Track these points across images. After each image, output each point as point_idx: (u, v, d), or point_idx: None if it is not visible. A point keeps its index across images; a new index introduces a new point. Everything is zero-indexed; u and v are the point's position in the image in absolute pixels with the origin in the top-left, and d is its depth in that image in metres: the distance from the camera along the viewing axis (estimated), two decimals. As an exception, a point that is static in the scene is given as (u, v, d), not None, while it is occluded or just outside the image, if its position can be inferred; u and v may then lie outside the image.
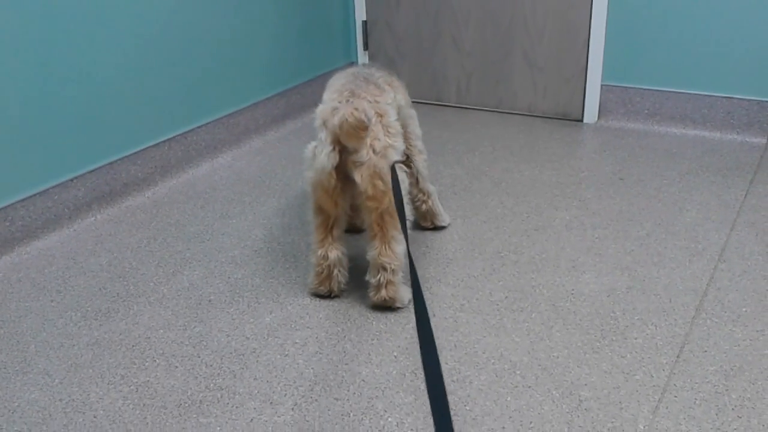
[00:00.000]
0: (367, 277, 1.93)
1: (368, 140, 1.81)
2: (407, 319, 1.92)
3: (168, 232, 2.41)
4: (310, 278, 2.02)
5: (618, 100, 3.17)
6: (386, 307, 1.95)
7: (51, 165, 2.41)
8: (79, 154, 2.48)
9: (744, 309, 1.91)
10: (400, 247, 1.88)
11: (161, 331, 1.91)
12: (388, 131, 1.86)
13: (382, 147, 1.82)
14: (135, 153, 2.67)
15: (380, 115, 1.85)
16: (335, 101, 1.86)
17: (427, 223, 2.34)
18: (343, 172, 1.85)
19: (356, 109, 1.75)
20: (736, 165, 2.74)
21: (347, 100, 1.83)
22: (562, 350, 1.78)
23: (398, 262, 1.89)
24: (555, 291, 2.02)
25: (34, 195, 2.36)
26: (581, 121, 3.24)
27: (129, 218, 2.52)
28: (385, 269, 1.88)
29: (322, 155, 1.83)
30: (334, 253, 1.95)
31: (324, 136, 1.83)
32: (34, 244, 2.36)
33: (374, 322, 1.91)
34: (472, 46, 3.37)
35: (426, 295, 2.02)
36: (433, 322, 1.90)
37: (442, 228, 2.36)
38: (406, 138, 2.12)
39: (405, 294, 1.95)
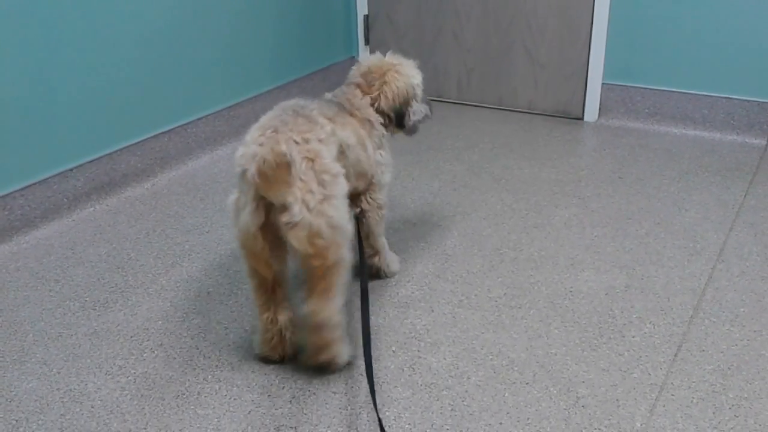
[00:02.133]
0: (301, 338, 1.70)
1: (298, 193, 1.50)
2: (406, 315, 1.92)
3: (167, 224, 2.41)
4: (256, 342, 1.76)
5: (618, 99, 3.17)
6: (325, 369, 1.71)
7: (50, 154, 2.40)
8: (78, 144, 2.48)
9: (742, 309, 1.91)
10: (338, 301, 1.62)
11: (160, 322, 1.91)
12: (322, 178, 1.54)
13: (317, 201, 1.52)
14: (135, 144, 2.66)
15: (310, 160, 1.54)
16: (256, 143, 1.54)
17: (372, 272, 2.07)
18: (272, 230, 1.56)
19: (272, 149, 1.47)
20: (735, 166, 2.75)
21: (268, 141, 1.52)
22: (560, 347, 1.78)
23: (337, 319, 1.63)
24: (553, 288, 2.02)
25: (33, 184, 2.35)
26: (581, 119, 3.25)
27: (128, 209, 2.51)
28: (323, 329, 1.62)
29: (244, 213, 1.55)
30: (283, 316, 1.70)
31: (245, 188, 1.54)
32: (32, 234, 2.35)
33: (373, 317, 1.91)
34: (473, 42, 3.37)
35: (425, 290, 2.02)
36: (432, 318, 1.90)
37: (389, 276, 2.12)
38: (364, 187, 1.87)
39: (345, 352, 1.71)
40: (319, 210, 1.52)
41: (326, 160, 1.57)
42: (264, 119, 1.64)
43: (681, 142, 2.98)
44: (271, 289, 1.67)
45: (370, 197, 1.93)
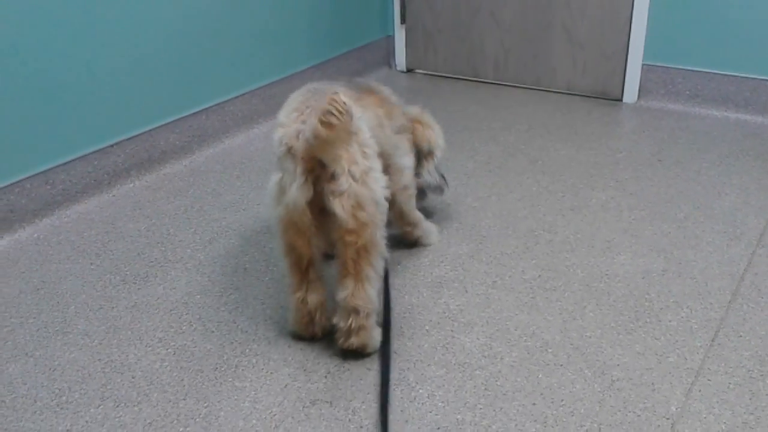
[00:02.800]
0: (335, 320, 1.68)
1: (345, 165, 1.55)
2: (439, 295, 1.93)
3: (205, 200, 2.44)
4: (290, 319, 1.79)
5: (659, 80, 3.12)
6: (356, 353, 1.72)
7: (92, 131, 2.44)
8: (119, 121, 2.52)
9: (782, 295, 1.89)
10: (373, 288, 1.64)
11: (198, 296, 1.94)
12: (365, 152, 1.59)
13: (361, 171, 1.56)
14: (173, 121, 2.69)
15: (354, 133, 1.57)
16: (297, 122, 1.58)
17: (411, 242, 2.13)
18: (317, 205, 1.59)
19: (334, 99, 1.48)
20: (778, 150, 2.69)
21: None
22: (595, 330, 1.78)
23: (372, 306, 1.64)
24: (589, 271, 2.01)
25: (75, 159, 2.40)
26: (620, 100, 3.20)
27: (167, 185, 2.55)
28: (357, 313, 1.63)
29: (292, 189, 1.56)
30: (314, 297, 1.71)
31: (292, 166, 1.56)
32: (74, 208, 2.40)
33: (406, 296, 1.92)
34: (511, 21, 3.33)
35: (459, 271, 2.03)
36: (466, 298, 1.91)
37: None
38: (387, 170, 1.81)
39: (377, 338, 1.72)
40: (363, 181, 1.56)
41: (366, 135, 1.61)
42: (295, 102, 1.66)
43: (722, 125, 2.92)
44: (306, 269, 1.69)
45: (391, 179, 1.82)
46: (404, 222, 2.05)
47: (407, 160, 1.97)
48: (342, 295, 1.62)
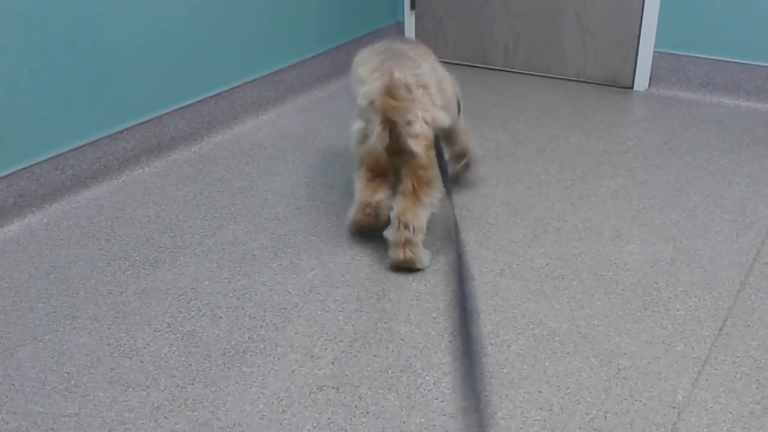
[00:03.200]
0: (385, 233, 1.93)
1: (419, 113, 1.85)
2: (447, 282, 1.93)
3: (213, 187, 2.45)
4: (351, 212, 2.06)
5: (670, 68, 3.09)
6: (405, 268, 1.95)
7: (101, 116, 2.45)
8: (128, 107, 2.52)
9: (791, 285, 1.88)
10: (425, 212, 1.92)
11: (206, 282, 1.95)
12: (434, 102, 1.90)
13: (432, 117, 1.88)
14: (183, 107, 2.70)
15: (424, 87, 1.87)
16: (378, 80, 1.86)
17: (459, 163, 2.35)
18: (391, 148, 1.89)
19: (395, 76, 1.81)
20: (790, 138, 2.67)
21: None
22: (603, 319, 1.78)
23: (420, 225, 1.91)
24: (597, 260, 2.00)
25: (84, 145, 2.41)
26: (631, 88, 3.18)
27: (176, 171, 2.56)
28: (407, 227, 1.89)
29: (373, 137, 1.88)
30: (380, 195, 1.98)
31: (373, 116, 1.86)
32: (83, 193, 2.41)
33: (414, 284, 1.92)
34: (521, 7, 3.30)
35: (467, 258, 2.03)
36: (473, 286, 1.91)
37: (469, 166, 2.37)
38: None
39: (425, 257, 1.96)
40: (434, 126, 1.88)
41: (433, 90, 1.91)
42: (374, 62, 1.94)
43: (734, 114, 2.90)
44: (375, 178, 1.98)
45: (455, 114, 2.14)
46: (461, 147, 2.28)
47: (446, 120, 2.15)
48: (396, 211, 1.92)
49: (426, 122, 1.87)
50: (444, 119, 1.93)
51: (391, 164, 1.94)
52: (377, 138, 1.87)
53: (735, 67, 2.98)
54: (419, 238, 1.92)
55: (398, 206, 1.91)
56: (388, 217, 1.97)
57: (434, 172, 1.90)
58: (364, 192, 1.99)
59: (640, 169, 2.49)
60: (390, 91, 1.83)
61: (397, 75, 1.82)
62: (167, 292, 1.92)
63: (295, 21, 3.10)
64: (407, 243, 1.91)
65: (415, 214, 1.90)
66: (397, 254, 1.93)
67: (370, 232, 2.07)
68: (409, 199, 1.91)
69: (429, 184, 1.92)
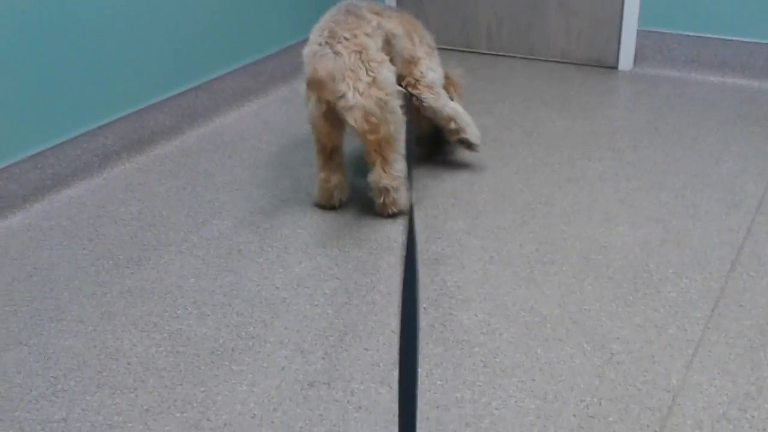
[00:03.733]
0: (371, 195, 2.09)
1: (350, 82, 1.89)
2: (436, 272, 1.91)
3: (197, 182, 2.41)
4: (314, 195, 2.20)
5: (654, 47, 3.07)
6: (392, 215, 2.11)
7: (79, 113, 2.40)
8: (106, 102, 2.47)
9: (782, 263, 1.87)
10: (397, 164, 2.02)
11: (192, 280, 1.92)
12: (369, 65, 1.92)
13: (366, 84, 1.90)
14: (162, 101, 2.65)
15: (358, 52, 1.91)
16: (315, 42, 1.96)
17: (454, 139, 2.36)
18: (332, 114, 1.97)
19: (315, 68, 1.86)
20: (776, 114, 2.66)
21: (325, 42, 1.93)
22: (594, 303, 1.76)
23: (399, 179, 2.04)
24: (587, 243, 1.99)
25: (63, 143, 2.36)
26: (616, 68, 3.16)
27: (158, 167, 2.52)
28: (387, 191, 2.04)
29: (310, 105, 1.99)
30: (335, 178, 2.12)
31: (309, 93, 1.94)
32: (64, 192, 2.37)
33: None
34: (503, -9, 3.27)
35: (455, 247, 2.01)
36: (463, 274, 1.89)
37: (472, 146, 2.35)
38: (409, 70, 2.19)
39: (407, 197, 2.09)
40: (368, 93, 1.90)
41: (371, 51, 1.94)
42: (322, 19, 2.02)
43: (719, 91, 2.89)
44: (329, 155, 2.10)
45: (415, 78, 2.19)
46: (440, 118, 2.26)
47: (433, 71, 2.23)
48: (372, 177, 2.04)
49: (359, 92, 1.89)
50: (388, 76, 1.95)
51: (338, 130, 2.02)
52: (314, 107, 1.97)
53: (719, 44, 2.96)
54: (401, 191, 2.06)
55: (372, 173, 2.03)
56: (345, 199, 2.17)
57: (386, 130, 1.95)
58: (320, 174, 2.13)
59: (627, 150, 2.48)
60: (313, 84, 1.87)
61: (317, 67, 1.86)
62: (153, 291, 1.89)
63: (274, 9, 3.05)
64: (393, 202, 2.08)
65: (389, 176, 2.02)
66: (386, 212, 2.11)
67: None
68: (379, 163, 2.01)
69: (387, 142, 1.98)
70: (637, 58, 3.13)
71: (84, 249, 2.08)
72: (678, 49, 3.04)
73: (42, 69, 2.25)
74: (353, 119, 1.91)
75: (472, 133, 2.32)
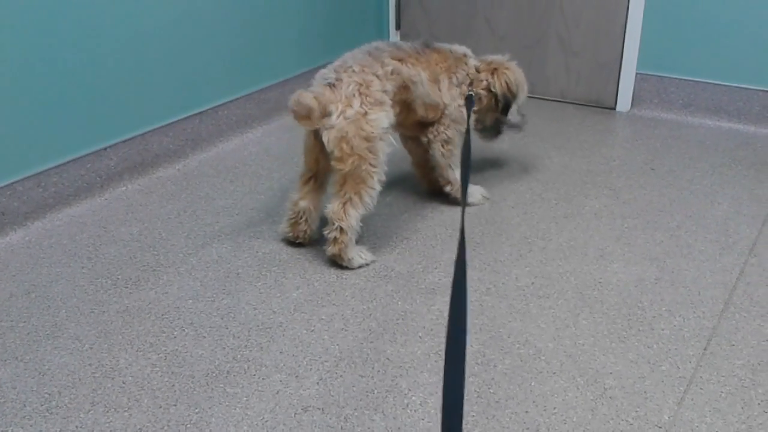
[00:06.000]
0: (324, 230, 2.05)
1: (340, 107, 1.92)
2: (432, 301, 1.92)
3: (197, 205, 2.43)
4: (282, 222, 2.19)
5: (652, 89, 3.13)
6: (337, 263, 2.07)
7: (84, 133, 2.43)
8: (112, 124, 2.51)
9: (774, 305, 1.89)
10: (354, 211, 1.99)
11: (190, 301, 1.93)
12: (366, 100, 1.94)
13: (354, 114, 1.92)
14: (167, 125, 2.69)
15: (360, 84, 1.96)
16: (326, 69, 2.03)
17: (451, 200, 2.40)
18: (319, 136, 1.99)
19: (297, 99, 1.88)
20: (770, 159, 2.70)
21: (334, 69, 2.00)
22: (588, 338, 1.78)
23: (347, 223, 1.98)
24: (582, 279, 2.01)
25: (68, 162, 2.39)
26: (614, 109, 3.21)
27: (159, 189, 2.54)
28: (333, 224, 2.00)
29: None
30: (305, 203, 2.09)
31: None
32: (65, 211, 2.39)
33: (399, 302, 1.92)
34: (506, 29, 3.34)
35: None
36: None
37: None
38: (434, 118, 2.23)
39: (353, 255, 2.04)
40: (354, 121, 1.92)
41: (374, 89, 1.97)
42: (347, 54, 2.07)
43: (715, 135, 2.94)
44: (308, 180, 2.09)
45: (437, 129, 2.24)
46: (439, 173, 2.33)
47: (456, 114, 2.24)
48: (328, 207, 2.02)
49: (344, 116, 1.91)
50: (380, 118, 1.95)
51: (323, 154, 2.00)
52: (305, 132, 2.02)
53: (716, 89, 3.02)
54: (347, 237, 2.00)
55: (330, 203, 2.02)
56: (312, 233, 2.14)
57: (352, 165, 1.93)
58: (294, 194, 2.13)
59: (623, 189, 2.51)
60: (292, 113, 1.91)
61: (299, 99, 1.89)
62: (150, 312, 1.90)
63: (280, 40, 3.10)
64: (335, 241, 2.01)
65: (341, 214, 1.98)
66: (328, 250, 2.04)
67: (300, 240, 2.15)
68: (338, 198, 1.99)
69: (352, 179, 1.96)
70: (635, 100, 3.18)
71: (83, 268, 2.09)
72: (675, 92, 3.10)
73: (49, 89, 2.29)
74: (328, 139, 1.92)
75: (474, 198, 2.40)
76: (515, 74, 2.37)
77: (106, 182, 2.52)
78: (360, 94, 1.95)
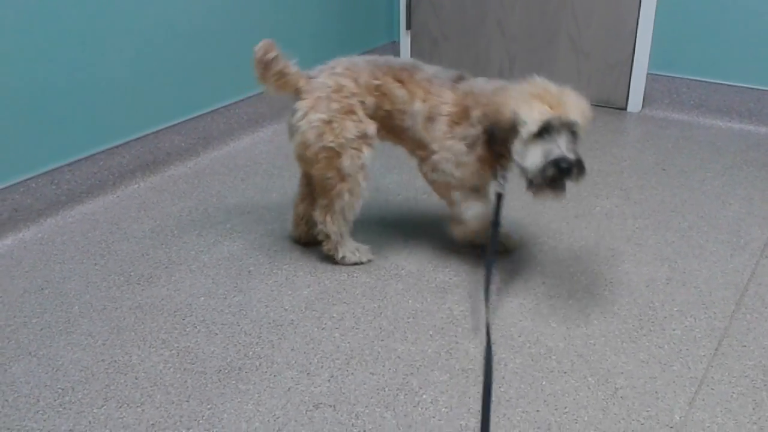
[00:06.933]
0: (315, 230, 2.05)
1: (307, 104, 1.88)
2: (443, 300, 1.93)
3: (209, 203, 2.45)
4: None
5: (663, 90, 3.13)
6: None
7: (97, 131, 2.45)
8: (125, 122, 2.52)
9: (786, 306, 1.88)
10: (331, 218, 1.97)
11: (202, 298, 1.94)
12: (332, 106, 1.85)
13: (317, 119, 1.86)
14: (179, 123, 2.70)
15: (337, 89, 1.87)
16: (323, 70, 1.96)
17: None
18: None
19: (261, 46, 1.88)
20: (782, 161, 2.70)
21: (330, 65, 1.95)
22: (599, 338, 1.78)
23: (328, 229, 1.98)
24: (593, 279, 2.01)
25: (81, 160, 2.40)
26: (625, 109, 3.21)
27: (171, 187, 2.55)
28: (327, 237, 2.01)
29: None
30: (302, 206, 2.11)
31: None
32: (78, 208, 2.40)
33: (410, 301, 1.92)
34: (517, 29, 3.34)
35: (462, 277, 2.03)
36: (469, 304, 1.91)
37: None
38: (423, 156, 1.94)
39: (345, 253, 2.03)
40: (315, 127, 1.86)
41: (345, 95, 1.86)
42: (353, 58, 1.97)
43: (726, 136, 2.93)
44: (306, 184, 2.07)
45: (424, 169, 1.98)
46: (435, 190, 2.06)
47: (447, 166, 1.89)
48: (315, 213, 2.01)
49: (307, 117, 1.86)
50: (348, 127, 1.85)
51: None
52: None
53: (727, 90, 3.01)
54: (331, 241, 2.01)
55: (316, 208, 2.01)
56: (310, 235, 2.11)
57: (326, 177, 1.90)
58: (295, 201, 2.14)
59: (634, 189, 2.51)
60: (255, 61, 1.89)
61: (261, 46, 1.88)
62: (162, 308, 1.91)
63: (291, 39, 3.11)
64: (324, 242, 2.04)
65: (316, 215, 2.00)
66: (323, 248, 2.06)
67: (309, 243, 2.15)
68: (317, 199, 2.00)
69: (320, 185, 1.94)
70: (646, 101, 3.18)
71: (96, 264, 2.10)
72: (686, 93, 3.09)
73: (62, 87, 2.30)
74: (293, 142, 1.92)
75: (468, 216, 1.98)
76: (507, 96, 1.79)
77: (119, 180, 2.53)
78: (328, 99, 1.85)
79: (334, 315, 1.87)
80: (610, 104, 3.24)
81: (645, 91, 3.16)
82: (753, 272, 2.03)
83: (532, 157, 1.73)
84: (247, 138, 2.95)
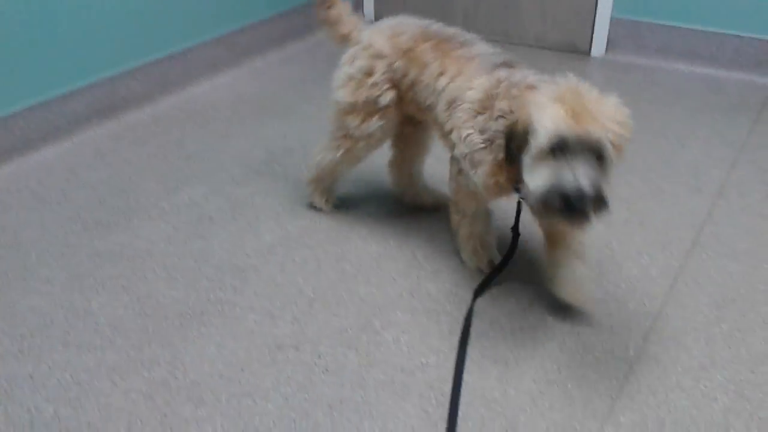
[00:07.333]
0: None
1: (345, 59, 1.84)
2: (406, 245, 1.93)
3: (168, 149, 2.40)
4: None
5: (627, 34, 3.12)
6: (311, 207, 2.08)
7: (51, 77, 2.37)
8: (79, 67, 2.45)
9: (740, 244, 1.93)
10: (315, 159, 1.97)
11: (162, 244, 1.92)
12: (355, 62, 1.79)
13: (341, 75, 1.83)
14: (135, 68, 2.63)
15: (362, 43, 1.81)
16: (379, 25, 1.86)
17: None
18: None
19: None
20: (741, 104, 2.72)
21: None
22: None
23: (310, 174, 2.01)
24: (554, 220, 2.03)
25: (33, 106, 2.34)
26: (589, 54, 3.20)
27: (129, 134, 2.50)
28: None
29: None
30: (398, 170, 2.06)
31: None
32: (33, 156, 2.34)
33: (373, 246, 1.92)
34: (481, -27, 3.29)
35: (424, 218, 2.03)
36: (432, 247, 1.92)
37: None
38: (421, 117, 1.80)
39: (314, 199, 2.04)
40: (342, 78, 1.82)
41: (374, 56, 1.77)
42: (404, 17, 1.86)
43: (688, 80, 2.94)
44: (395, 144, 2.02)
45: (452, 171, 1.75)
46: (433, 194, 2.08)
47: (462, 147, 1.60)
48: None
49: (339, 74, 1.84)
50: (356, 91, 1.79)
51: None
52: None
53: (690, 34, 3.02)
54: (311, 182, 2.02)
55: None
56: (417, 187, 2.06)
57: (330, 125, 1.89)
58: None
59: (596, 132, 2.52)
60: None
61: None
62: (122, 255, 1.88)
63: (252, -19, 3.03)
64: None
65: (316, 152, 1.98)
66: None
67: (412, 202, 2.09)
68: None
69: (328, 134, 1.94)
70: (610, 45, 3.17)
71: (52, 212, 2.06)
72: (649, 37, 3.09)
73: (13, 31, 2.22)
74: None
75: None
76: (525, 98, 1.48)
77: (74, 126, 2.47)
78: (355, 55, 1.80)
79: (297, 259, 1.87)
80: (574, 49, 3.23)
81: (609, 36, 3.15)
82: (709, 213, 2.07)
83: (537, 179, 1.37)
84: (206, 83, 2.89)
